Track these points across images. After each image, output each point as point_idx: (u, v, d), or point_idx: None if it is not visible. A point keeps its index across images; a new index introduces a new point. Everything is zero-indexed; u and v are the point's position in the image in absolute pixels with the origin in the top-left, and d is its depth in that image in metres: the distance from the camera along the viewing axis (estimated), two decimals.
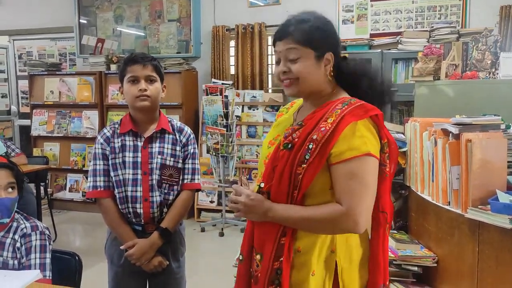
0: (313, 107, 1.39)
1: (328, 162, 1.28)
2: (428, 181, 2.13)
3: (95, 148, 1.95)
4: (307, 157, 1.26)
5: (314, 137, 1.27)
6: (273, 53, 1.42)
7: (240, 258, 1.43)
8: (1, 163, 1.84)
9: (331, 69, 1.38)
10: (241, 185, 1.41)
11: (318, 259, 1.32)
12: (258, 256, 1.35)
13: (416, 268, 2.08)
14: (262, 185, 1.35)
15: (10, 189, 1.81)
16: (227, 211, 4.82)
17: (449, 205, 1.95)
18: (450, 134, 1.96)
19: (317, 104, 1.39)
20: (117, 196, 1.92)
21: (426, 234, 2.18)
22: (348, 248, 1.35)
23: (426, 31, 4.43)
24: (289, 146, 1.31)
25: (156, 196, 1.92)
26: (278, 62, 1.39)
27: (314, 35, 1.34)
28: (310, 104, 1.42)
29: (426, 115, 2.79)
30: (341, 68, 1.41)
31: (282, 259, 1.30)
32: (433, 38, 4.26)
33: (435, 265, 2.06)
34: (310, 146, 1.27)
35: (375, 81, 1.42)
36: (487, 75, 3.03)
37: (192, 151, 2.02)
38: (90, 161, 2.04)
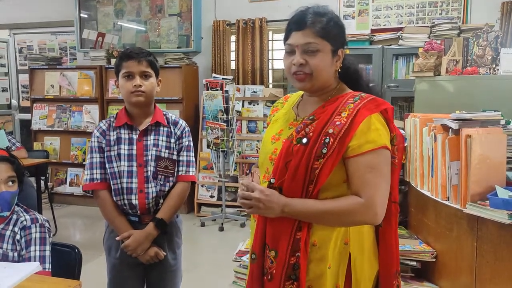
0: (320, 101, 1.38)
1: (345, 155, 1.27)
2: (428, 176, 2.13)
3: (92, 141, 1.98)
4: (324, 151, 1.26)
5: (330, 131, 1.27)
6: (285, 44, 1.37)
7: (253, 257, 1.38)
8: (2, 156, 1.84)
9: (340, 65, 1.38)
10: (252, 180, 1.38)
11: (333, 251, 1.32)
12: (272, 253, 1.32)
13: (415, 263, 2.09)
14: (273, 180, 1.32)
15: (10, 183, 1.81)
16: (227, 206, 4.84)
17: (448, 200, 1.96)
18: (450, 130, 1.96)
19: (323, 98, 1.38)
20: (112, 188, 1.93)
21: (425, 229, 2.19)
22: (361, 239, 1.35)
23: (427, 26, 4.42)
24: (304, 141, 1.30)
25: (151, 187, 1.93)
26: (290, 53, 1.35)
27: (333, 29, 1.33)
28: (315, 98, 1.40)
29: (426, 110, 2.79)
30: (345, 64, 1.41)
31: (298, 254, 1.28)
32: (434, 34, 4.25)
33: (434, 260, 2.07)
34: (327, 140, 1.26)
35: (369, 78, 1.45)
36: (488, 71, 3.03)
37: (186, 143, 2.03)
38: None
